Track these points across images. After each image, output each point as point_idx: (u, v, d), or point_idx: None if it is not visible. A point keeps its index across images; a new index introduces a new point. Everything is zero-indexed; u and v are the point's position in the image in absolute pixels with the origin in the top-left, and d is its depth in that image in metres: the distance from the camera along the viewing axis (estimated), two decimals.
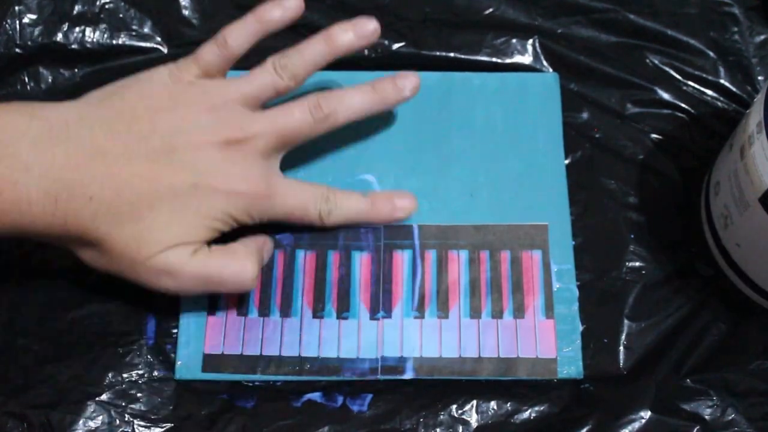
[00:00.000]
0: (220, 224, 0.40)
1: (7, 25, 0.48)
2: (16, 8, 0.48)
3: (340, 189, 0.43)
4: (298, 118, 0.41)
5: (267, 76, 0.41)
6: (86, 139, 0.37)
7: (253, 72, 0.41)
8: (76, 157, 0.37)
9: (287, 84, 0.41)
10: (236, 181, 0.39)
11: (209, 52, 0.41)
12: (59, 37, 0.48)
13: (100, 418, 0.40)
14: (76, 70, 0.48)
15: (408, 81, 0.43)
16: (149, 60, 0.48)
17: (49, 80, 0.48)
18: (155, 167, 0.38)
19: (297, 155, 0.46)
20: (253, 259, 0.40)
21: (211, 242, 0.40)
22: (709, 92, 0.48)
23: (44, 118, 0.37)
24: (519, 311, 0.43)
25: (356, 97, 0.42)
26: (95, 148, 0.37)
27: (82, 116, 0.38)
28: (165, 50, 0.49)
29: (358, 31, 0.42)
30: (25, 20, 0.48)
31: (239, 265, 0.40)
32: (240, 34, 0.41)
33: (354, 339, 0.42)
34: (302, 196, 0.42)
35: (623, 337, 0.43)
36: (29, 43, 0.48)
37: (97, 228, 0.37)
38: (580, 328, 0.42)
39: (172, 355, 0.42)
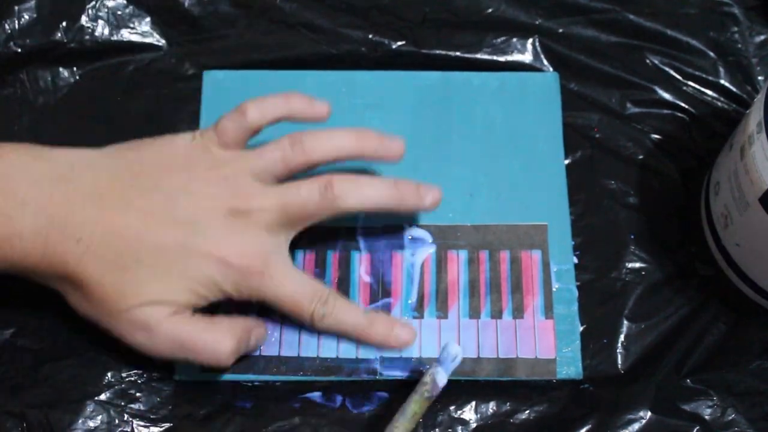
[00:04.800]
0: (204, 290, 0.38)
1: (6, 25, 0.48)
2: (16, 7, 0.48)
3: (343, 296, 0.42)
4: (304, 196, 0.39)
5: (277, 152, 0.40)
6: (88, 182, 0.38)
7: (266, 146, 0.40)
8: (74, 198, 0.37)
9: (298, 160, 0.40)
10: (231, 252, 0.38)
11: (228, 119, 0.40)
12: (58, 35, 0.48)
13: (100, 417, 0.40)
14: (75, 68, 0.48)
15: (431, 193, 0.41)
16: (149, 58, 0.48)
17: (49, 79, 0.48)
18: (149, 222, 0.38)
19: None
20: (233, 336, 0.39)
21: (196, 310, 0.39)
22: (709, 92, 0.48)
23: (50, 159, 0.38)
24: (518, 311, 0.42)
25: (374, 187, 0.40)
26: (94, 192, 0.38)
27: (91, 162, 0.39)
28: (164, 48, 0.49)
29: (387, 147, 0.41)
30: (25, 19, 0.48)
31: (216, 337, 0.39)
32: (259, 108, 0.40)
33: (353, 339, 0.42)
34: (299, 289, 0.40)
35: (623, 337, 0.43)
36: (29, 42, 0.48)
37: (82, 270, 0.37)
38: (580, 328, 0.42)
39: None
